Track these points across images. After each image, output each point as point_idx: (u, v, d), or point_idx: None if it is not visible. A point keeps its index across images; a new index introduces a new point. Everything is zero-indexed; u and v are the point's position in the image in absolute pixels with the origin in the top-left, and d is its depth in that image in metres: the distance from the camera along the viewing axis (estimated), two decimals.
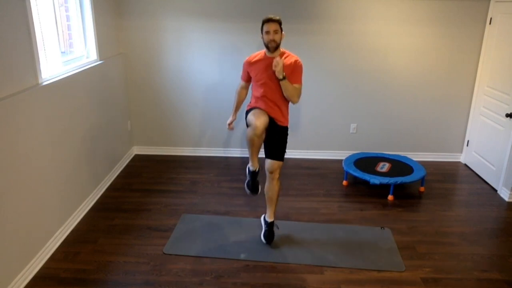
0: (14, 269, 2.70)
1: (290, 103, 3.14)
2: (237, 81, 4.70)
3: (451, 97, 4.82)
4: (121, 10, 4.55)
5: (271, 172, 3.15)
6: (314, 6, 4.50)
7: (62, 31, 3.60)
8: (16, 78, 2.75)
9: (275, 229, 3.30)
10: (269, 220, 3.27)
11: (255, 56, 3.12)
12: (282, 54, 3.04)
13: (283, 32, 2.99)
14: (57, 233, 3.23)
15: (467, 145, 4.91)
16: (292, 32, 4.55)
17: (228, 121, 3.37)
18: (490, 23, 4.46)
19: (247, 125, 3.03)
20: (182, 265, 3.01)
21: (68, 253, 3.13)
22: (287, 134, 3.18)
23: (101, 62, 4.09)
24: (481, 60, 4.62)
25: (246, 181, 3.24)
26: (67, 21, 3.73)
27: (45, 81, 3.10)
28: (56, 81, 3.21)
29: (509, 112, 4.05)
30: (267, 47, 2.99)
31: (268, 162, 3.14)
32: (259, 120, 2.88)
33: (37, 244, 2.97)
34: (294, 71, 3.00)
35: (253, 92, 3.18)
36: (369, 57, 4.67)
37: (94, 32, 3.98)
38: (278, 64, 2.85)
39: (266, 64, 3.01)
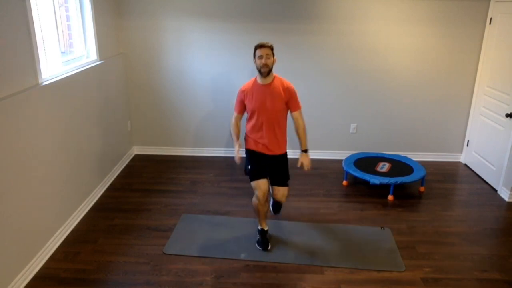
0: (14, 269, 2.70)
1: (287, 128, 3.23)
2: (237, 81, 4.75)
3: (451, 97, 4.82)
4: (121, 10, 4.55)
5: (280, 200, 3.29)
6: (314, 6, 4.50)
7: (62, 31, 3.61)
8: (16, 78, 2.75)
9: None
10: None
11: (246, 86, 3.14)
12: (274, 79, 3.08)
13: (274, 57, 3.05)
14: (57, 233, 3.23)
15: (467, 145, 4.91)
16: (292, 32, 4.55)
17: (236, 153, 3.21)
18: (490, 23, 4.46)
19: (245, 171, 3.23)
20: (182, 265, 3.01)
21: (68, 253, 3.13)
22: (287, 159, 3.27)
23: (101, 62, 4.09)
24: (481, 60, 4.62)
25: (257, 239, 3.30)
26: (67, 21, 3.73)
27: (45, 81, 3.10)
28: (56, 81, 3.21)
29: (509, 112, 4.05)
30: (259, 71, 3.02)
31: (276, 190, 3.25)
32: (261, 191, 3.09)
33: (37, 244, 2.97)
34: (291, 98, 3.10)
35: (248, 126, 3.19)
36: (369, 57, 4.67)
37: (94, 32, 3.98)
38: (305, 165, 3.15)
39: (260, 91, 3.06)
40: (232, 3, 4.50)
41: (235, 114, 3.23)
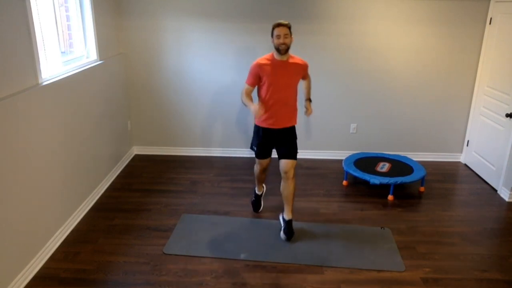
0: (14, 269, 2.70)
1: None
2: (237, 80, 4.75)
3: (451, 97, 4.82)
4: (121, 10, 4.55)
5: (285, 172, 3.28)
6: (314, 6, 4.50)
7: (62, 31, 3.60)
8: (16, 78, 2.75)
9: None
10: (287, 218, 3.35)
11: (264, 60, 3.18)
12: (291, 57, 3.21)
13: (292, 36, 3.15)
14: (57, 233, 3.23)
15: (467, 145, 4.91)
16: (292, 32, 4.54)
17: (254, 109, 3.05)
18: (490, 23, 4.46)
19: (251, 146, 3.44)
20: (182, 265, 3.01)
21: (68, 253, 3.13)
22: (295, 132, 3.36)
23: (101, 62, 4.09)
24: (481, 60, 4.62)
25: (251, 200, 3.77)
26: (67, 21, 3.73)
27: (45, 81, 3.10)
28: (56, 81, 3.21)
29: (509, 112, 4.05)
30: (277, 49, 3.11)
31: (282, 162, 3.29)
32: (261, 167, 3.48)
33: (37, 244, 2.97)
34: (306, 71, 3.33)
35: (261, 99, 3.22)
36: (369, 57, 4.67)
37: (94, 32, 3.98)
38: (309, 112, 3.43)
39: (277, 66, 3.16)
40: (232, 3, 4.50)
41: (246, 85, 3.23)
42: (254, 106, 3.06)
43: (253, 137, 3.41)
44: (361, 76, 4.75)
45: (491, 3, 4.42)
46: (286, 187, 3.30)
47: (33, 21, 2.90)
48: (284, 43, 3.06)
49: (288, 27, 3.08)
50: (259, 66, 3.16)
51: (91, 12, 3.92)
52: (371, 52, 4.65)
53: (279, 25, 3.07)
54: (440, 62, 4.68)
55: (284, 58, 3.16)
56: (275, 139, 3.30)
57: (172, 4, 4.51)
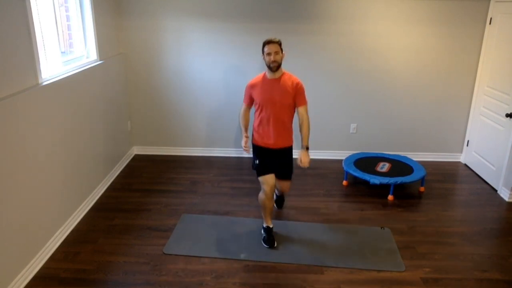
0: (14, 269, 2.70)
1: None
2: (237, 80, 4.75)
3: (451, 97, 4.82)
4: (121, 10, 4.55)
5: (283, 192, 3.55)
6: (314, 6, 4.50)
7: (62, 31, 3.60)
8: (16, 78, 2.75)
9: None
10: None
11: (256, 79, 3.20)
12: (283, 75, 3.14)
13: (283, 52, 3.09)
14: (57, 233, 3.23)
15: (467, 145, 4.91)
16: (292, 32, 4.55)
17: (243, 144, 3.30)
18: (490, 23, 4.46)
19: (253, 166, 3.30)
20: (182, 265, 3.01)
21: (68, 253, 3.13)
22: (292, 153, 3.35)
23: (101, 62, 4.09)
24: (481, 60, 4.62)
25: (263, 237, 3.33)
26: (67, 21, 3.73)
27: (45, 81, 3.10)
28: (56, 81, 3.21)
29: (509, 112, 4.05)
30: (269, 67, 3.07)
31: (280, 183, 3.40)
32: (268, 186, 3.17)
33: (37, 244, 2.97)
34: (299, 93, 3.13)
35: (256, 119, 3.24)
36: (369, 57, 4.67)
37: (94, 32, 3.98)
38: (303, 162, 3.18)
39: (267, 85, 3.13)
40: (232, 3, 4.50)
41: (244, 106, 3.31)
42: (244, 140, 3.28)
43: (253, 156, 3.32)
44: (361, 76, 4.75)
45: (491, 3, 4.42)
46: (280, 202, 3.67)
47: (33, 21, 2.90)
48: (274, 61, 3.02)
49: (279, 44, 3.04)
50: (250, 87, 3.20)
51: (91, 12, 3.92)
52: (371, 52, 4.65)
53: (269, 42, 3.03)
54: (440, 62, 4.68)
55: (276, 75, 3.10)
56: (274, 158, 3.25)
57: (172, 4, 4.51)
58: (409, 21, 4.53)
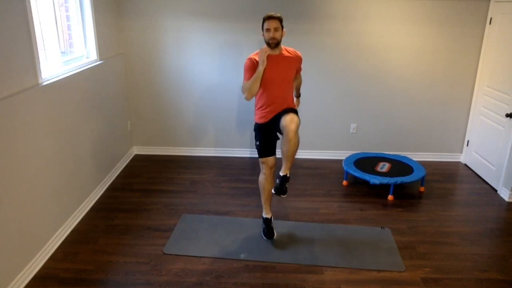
0: (14, 269, 2.70)
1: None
2: (237, 80, 4.75)
3: (451, 97, 4.82)
4: (121, 10, 4.55)
5: (286, 126, 2.88)
6: (314, 6, 4.50)
7: (62, 31, 3.61)
8: (16, 78, 2.75)
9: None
10: (282, 173, 2.96)
11: (256, 54, 3.08)
12: (282, 49, 3.09)
13: (284, 30, 3.01)
14: (57, 233, 3.23)
15: (467, 145, 4.91)
16: (292, 32, 4.54)
17: (261, 51, 2.98)
18: (490, 23, 4.46)
19: (256, 144, 3.22)
20: (182, 265, 3.01)
21: (68, 253, 3.13)
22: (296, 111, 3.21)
23: (101, 62, 4.09)
24: (481, 60, 4.62)
25: (262, 229, 3.36)
26: (67, 21, 3.73)
27: (45, 81, 3.10)
28: (56, 81, 3.21)
29: (509, 112, 4.05)
30: (268, 44, 2.99)
31: (284, 119, 2.94)
32: (267, 166, 3.17)
33: (37, 244, 2.97)
34: (300, 64, 3.22)
35: (260, 98, 3.12)
36: (369, 57, 4.67)
37: (94, 32, 3.98)
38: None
39: (269, 61, 3.01)
40: (232, 3, 4.50)
41: (244, 83, 3.07)
42: (261, 50, 2.96)
43: (255, 136, 3.25)
44: (361, 76, 4.75)
45: (491, 3, 4.42)
46: (286, 141, 2.86)
47: (33, 21, 2.90)
48: (273, 38, 2.91)
49: (280, 20, 2.92)
50: (253, 60, 3.03)
51: (91, 12, 3.92)
52: (371, 52, 4.65)
53: (269, 17, 2.91)
54: (440, 62, 4.68)
55: (276, 51, 3.02)
56: (275, 123, 3.06)
57: (172, 4, 4.51)
58: (409, 21, 4.53)
